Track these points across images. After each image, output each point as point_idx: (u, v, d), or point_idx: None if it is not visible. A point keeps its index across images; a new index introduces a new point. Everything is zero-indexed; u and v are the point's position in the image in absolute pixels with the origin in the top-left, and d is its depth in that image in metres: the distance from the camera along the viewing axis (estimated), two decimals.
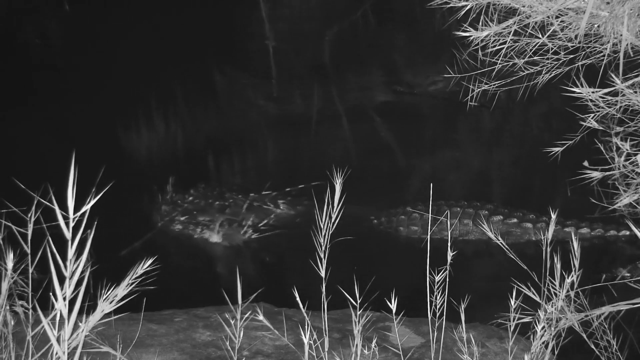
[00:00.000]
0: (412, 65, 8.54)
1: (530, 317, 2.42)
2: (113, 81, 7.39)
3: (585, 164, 2.97)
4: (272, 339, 3.32)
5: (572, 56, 3.12)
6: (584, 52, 3.09)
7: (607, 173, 2.94)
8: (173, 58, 8.17)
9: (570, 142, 3.10)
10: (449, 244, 2.37)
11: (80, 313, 1.75)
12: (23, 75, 7.60)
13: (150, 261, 2.10)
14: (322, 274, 2.29)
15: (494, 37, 3.15)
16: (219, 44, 8.60)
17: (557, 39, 3.11)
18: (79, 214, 1.66)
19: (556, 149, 3.17)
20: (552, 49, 3.13)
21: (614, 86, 2.81)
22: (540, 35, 3.12)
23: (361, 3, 9.63)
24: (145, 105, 7.21)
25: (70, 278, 1.68)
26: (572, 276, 2.34)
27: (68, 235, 1.65)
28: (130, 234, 5.08)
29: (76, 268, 1.69)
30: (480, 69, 3.23)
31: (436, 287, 2.34)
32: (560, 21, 3.10)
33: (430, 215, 2.38)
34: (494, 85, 3.27)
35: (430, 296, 2.39)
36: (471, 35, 3.16)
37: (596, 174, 2.95)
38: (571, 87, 2.89)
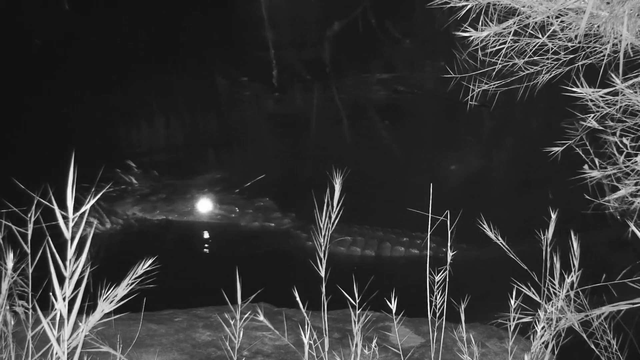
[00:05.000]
0: (412, 65, 8.55)
1: (530, 317, 2.42)
2: (113, 81, 7.39)
3: (585, 167, 2.97)
4: (272, 339, 3.32)
5: (572, 56, 3.11)
6: (584, 52, 3.09)
7: (606, 172, 2.94)
8: (173, 58, 8.18)
9: (570, 142, 3.10)
10: (448, 244, 2.37)
11: (80, 313, 1.75)
12: (23, 75, 7.60)
13: (150, 261, 2.10)
14: (322, 273, 2.29)
15: (494, 37, 3.15)
16: (220, 43, 8.60)
17: (557, 39, 3.11)
18: (78, 214, 1.66)
19: (556, 149, 3.17)
20: (552, 49, 3.13)
21: (614, 86, 2.81)
22: (540, 36, 3.11)
23: (361, 3, 9.64)
24: (146, 105, 7.22)
25: (70, 278, 1.68)
26: (572, 276, 2.34)
27: (68, 235, 1.65)
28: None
29: (76, 268, 1.69)
30: (480, 69, 3.23)
31: (436, 287, 2.34)
32: (560, 21, 3.10)
33: (430, 215, 2.38)
34: (494, 85, 3.27)
35: (430, 296, 2.39)
36: (471, 36, 3.16)
37: (595, 173, 2.95)
38: (571, 87, 2.89)
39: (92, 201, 1.71)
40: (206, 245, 5.31)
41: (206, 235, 5.37)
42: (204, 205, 5.65)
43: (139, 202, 5.58)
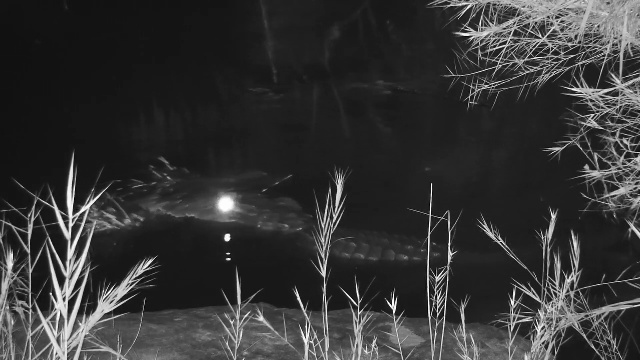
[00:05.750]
0: (412, 64, 8.55)
1: (530, 317, 2.41)
2: (113, 81, 7.39)
3: (586, 167, 2.97)
4: (272, 339, 3.32)
5: (572, 56, 3.11)
6: (584, 52, 3.09)
7: (606, 172, 2.94)
8: (173, 58, 8.17)
9: (570, 142, 3.10)
10: (449, 244, 2.37)
11: (80, 313, 1.75)
12: (23, 75, 7.60)
13: (150, 261, 2.10)
14: (323, 273, 2.29)
15: (494, 37, 3.14)
16: (220, 43, 8.60)
17: (557, 39, 3.11)
18: (78, 214, 1.66)
19: (556, 149, 3.17)
20: (552, 49, 3.13)
21: (614, 86, 2.81)
22: (540, 35, 3.11)
23: (361, 3, 9.64)
24: (147, 104, 7.22)
25: (70, 278, 1.68)
26: (572, 276, 2.33)
27: (67, 235, 1.65)
28: None
29: (76, 268, 1.69)
30: (480, 69, 3.23)
31: (436, 287, 2.34)
32: (560, 21, 3.10)
33: (430, 215, 2.38)
34: (494, 85, 3.27)
35: (430, 296, 2.39)
36: (471, 36, 3.16)
37: (595, 173, 2.95)
38: (571, 87, 2.89)
39: (92, 201, 1.71)
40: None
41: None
42: (225, 204, 5.66)
43: (164, 199, 5.59)
